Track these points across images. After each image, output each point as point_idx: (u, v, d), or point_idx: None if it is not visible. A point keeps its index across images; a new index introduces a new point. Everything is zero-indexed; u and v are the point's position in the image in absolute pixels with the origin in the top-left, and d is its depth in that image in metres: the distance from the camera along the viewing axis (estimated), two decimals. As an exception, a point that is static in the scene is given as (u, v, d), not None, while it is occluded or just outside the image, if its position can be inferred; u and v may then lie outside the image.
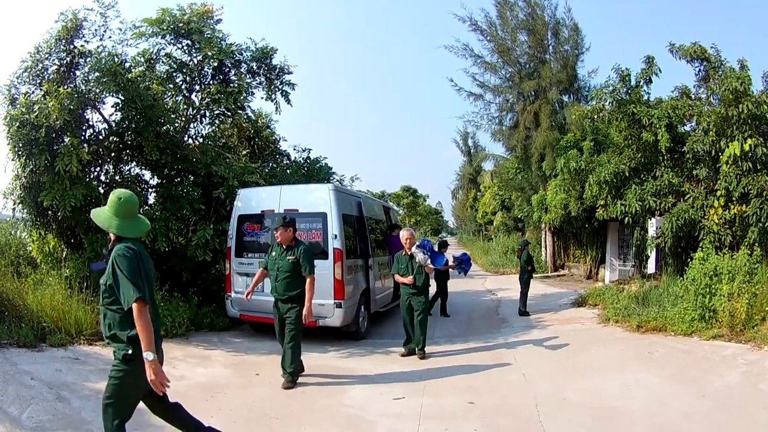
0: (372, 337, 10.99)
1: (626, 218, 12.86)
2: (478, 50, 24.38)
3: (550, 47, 23.54)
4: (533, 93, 23.27)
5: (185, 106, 13.05)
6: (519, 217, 30.04)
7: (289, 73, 13.64)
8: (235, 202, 10.95)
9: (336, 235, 9.94)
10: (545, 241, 25.83)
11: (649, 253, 15.06)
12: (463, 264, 13.75)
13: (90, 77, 10.93)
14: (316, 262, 9.75)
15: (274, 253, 7.68)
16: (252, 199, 10.88)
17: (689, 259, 10.75)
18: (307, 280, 7.44)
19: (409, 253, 9.18)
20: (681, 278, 10.61)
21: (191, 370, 7.63)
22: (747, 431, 5.52)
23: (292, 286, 7.41)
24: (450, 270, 13.77)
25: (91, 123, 11.62)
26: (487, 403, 6.65)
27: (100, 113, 11.60)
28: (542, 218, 22.91)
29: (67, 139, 10.34)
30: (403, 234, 9.28)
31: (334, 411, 6.42)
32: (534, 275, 13.93)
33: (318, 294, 9.66)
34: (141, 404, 4.82)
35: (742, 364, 7.53)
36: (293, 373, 7.28)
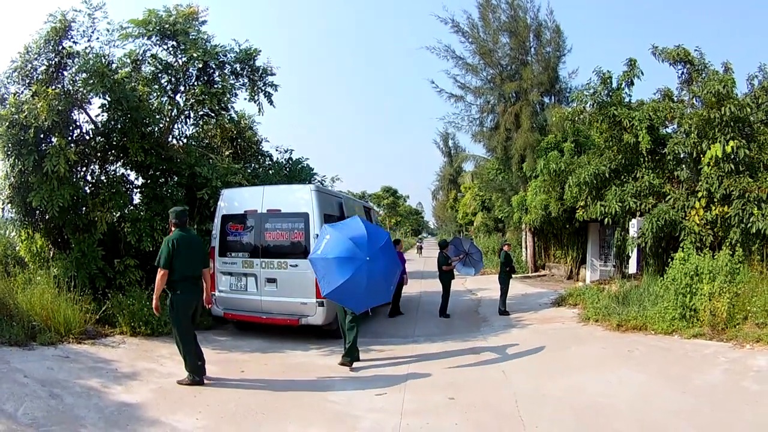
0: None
1: (606, 219, 12.94)
2: (459, 52, 24.49)
3: (532, 49, 23.65)
4: (514, 94, 23.34)
5: (170, 107, 13.03)
6: (500, 217, 30.09)
7: (272, 74, 13.72)
8: (218, 203, 11.00)
9: (317, 235, 9.89)
10: (526, 242, 25.93)
11: (630, 254, 15.20)
12: (472, 256, 14.02)
13: (77, 78, 10.95)
14: (298, 261, 10.04)
15: None
16: (235, 200, 10.93)
17: (670, 259, 10.84)
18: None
19: None
20: (661, 278, 10.72)
21: (178, 367, 7.54)
22: (730, 426, 5.57)
23: None
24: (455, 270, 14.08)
25: (78, 123, 11.65)
26: (467, 399, 6.70)
27: (87, 114, 11.64)
28: (522, 219, 23.01)
29: (54, 140, 10.40)
30: None
31: (320, 406, 6.49)
32: (514, 275, 13.96)
33: (300, 293, 9.94)
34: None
35: (724, 362, 7.60)
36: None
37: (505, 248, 14.24)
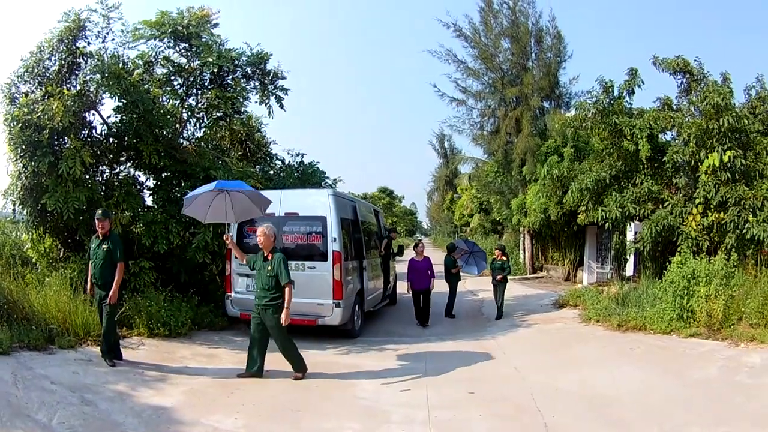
0: (365, 336, 11.45)
1: (607, 224, 13.40)
2: (461, 56, 24.80)
3: (533, 54, 24.03)
4: (515, 99, 23.65)
5: (181, 110, 13.20)
6: (498, 219, 30.55)
7: (283, 78, 13.84)
8: None
9: (335, 238, 10.43)
10: (524, 244, 26.36)
11: (628, 257, 15.67)
12: (474, 255, 14.39)
13: (92, 79, 10.99)
14: (315, 263, 10.47)
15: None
16: None
17: (667, 263, 11.28)
18: None
19: (266, 254, 7.97)
20: (660, 281, 11.17)
21: (203, 368, 7.95)
22: (725, 414, 6.11)
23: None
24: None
25: (93, 125, 11.65)
26: (486, 394, 7.19)
27: (100, 115, 11.69)
28: (521, 221, 23.39)
29: (69, 142, 10.41)
30: (258, 231, 8.11)
31: (350, 402, 6.87)
32: (508, 277, 14.27)
33: (318, 294, 10.29)
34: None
35: (720, 359, 8.10)
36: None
37: (497, 255, 14.32)
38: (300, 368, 7.84)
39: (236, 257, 8.43)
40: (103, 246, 8.06)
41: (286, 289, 7.65)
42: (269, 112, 13.96)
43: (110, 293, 7.93)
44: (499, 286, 13.81)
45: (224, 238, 8.20)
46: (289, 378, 7.80)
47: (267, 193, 11.44)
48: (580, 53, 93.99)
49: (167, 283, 11.02)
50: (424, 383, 7.69)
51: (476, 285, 19.82)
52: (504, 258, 14.05)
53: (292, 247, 10.75)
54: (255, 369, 7.81)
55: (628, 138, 13.16)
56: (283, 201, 10.91)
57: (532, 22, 23.77)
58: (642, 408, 6.43)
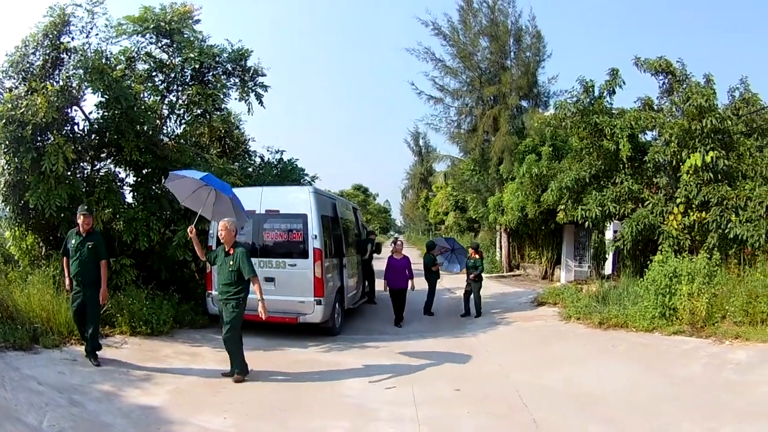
0: (346, 333, 11.40)
1: (587, 222, 13.47)
2: (439, 54, 24.65)
3: (512, 53, 23.98)
4: (492, 98, 23.63)
5: (162, 106, 13.06)
6: (474, 217, 30.47)
7: (263, 75, 13.76)
8: None
9: (316, 236, 10.34)
10: (500, 242, 26.32)
11: (607, 256, 15.79)
12: (456, 253, 14.32)
13: (75, 74, 10.92)
14: (296, 261, 10.39)
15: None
16: None
17: (648, 261, 11.38)
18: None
19: (227, 248, 7.70)
20: (640, 279, 11.24)
21: (188, 368, 7.82)
22: (713, 409, 6.14)
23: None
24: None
25: (75, 121, 11.50)
26: (472, 391, 7.17)
27: (82, 111, 11.53)
28: (498, 220, 23.39)
29: (52, 137, 10.30)
30: (219, 225, 7.85)
31: (337, 401, 6.82)
32: (485, 275, 14.27)
33: (299, 291, 10.23)
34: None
35: (705, 356, 8.15)
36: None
37: (471, 253, 14.45)
38: (242, 370, 7.59)
39: (198, 253, 8.11)
40: (88, 243, 7.93)
41: (255, 285, 7.52)
42: (249, 109, 13.92)
43: (102, 292, 8.00)
44: (474, 284, 13.80)
45: (188, 230, 7.92)
46: (276, 377, 7.79)
47: (247, 190, 11.47)
48: (562, 52, 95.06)
49: (148, 281, 10.90)
50: (409, 380, 7.66)
51: (454, 283, 19.83)
52: (477, 256, 14.10)
53: (272, 244, 10.74)
54: (235, 367, 7.68)
55: (608, 137, 13.26)
56: (263, 198, 10.88)
57: (512, 21, 23.73)
58: (629, 405, 6.44)
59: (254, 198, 10.83)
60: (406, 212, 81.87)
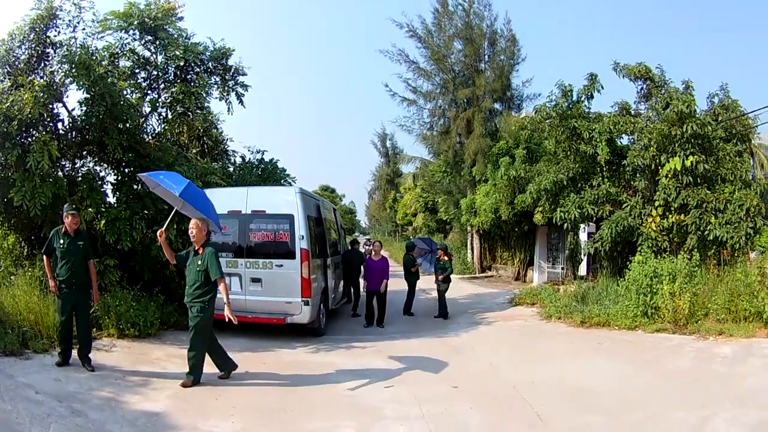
0: (329, 334, 11.40)
1: (566, 224, 13.74)
2: (413, 56, 24.87)
3: (486, 56, 24.27)
4: (466, 100, 23.87)
5: (143, 104, 12.90)
6: (445, 219, 30.71)
7: (244, 74, 13.63)
8: None
9: (303, 236, 10.33)
10: (472, 243, 26.59)
11: (583, 257, 16.11)
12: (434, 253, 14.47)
13: (60, 69, 10.80)
14: (283, 261, 10.35)
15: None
16: (218, 200, 10.38)
17: (628, 262, 11.68)
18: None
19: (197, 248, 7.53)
20: (620, 279, 11.60)
21: (181, 370, 7.56)
22: (705, 398, 6.41)
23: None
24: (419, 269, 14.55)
25: (60, 117, 11.30)
26: (469, 388, 7.27)
27: (66, 107, 11.32)
28: (471, 221, 23.61)
29: (36, 134, 10.14)
30: (190, 223, 7.64)
31: (337, 401, 6.85)
32: (456, 276, 14.35)
33: (286, 292, 10.22)
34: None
35: (691, 351, 8.46)
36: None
37: (439, 255, 14.39)
38: (196, 376, 7.26)
39: (167, 256, 7.68)
40: (78, 243, 7.75)
41: (221, 285, 7.28)
42: (229, 108, 13.77)
43: (93, 293, 7.93)
44: (441, 285, 13.87)
45: (158, 234, 7.47)
46: (272, 379, 7.80)
47: (233, 190, 11.58)
48: (536, 55, 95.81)
49: (131, 282, 10.74)
50: (405, 380, 7.73)
51: (429, 284, 19.95)
52: (446, 258, 14.15)
53: (259, 244, 10.69)
54: (228, 366, 7.69)
55: (586, 141, 13.56)
56: (249, 198, 10.86)
57: (487, 24, 24.03)
58: (624, 397, 6.66)
59: (240, 198, 10.86)
60: (372, 213, 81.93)
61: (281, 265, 10.40)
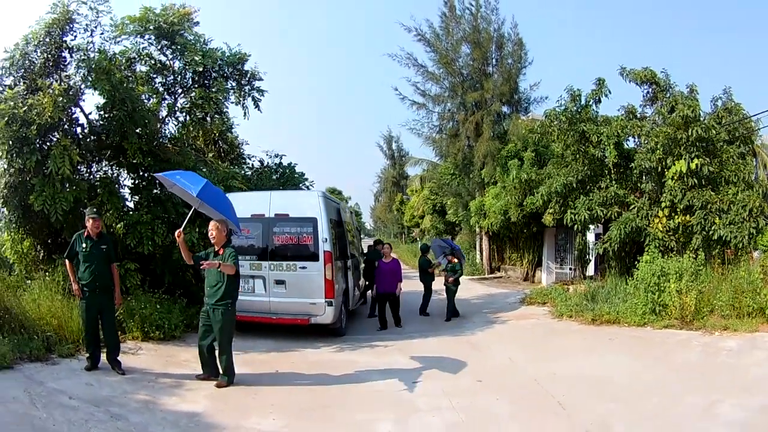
0: (349, 334, 11.65)
1: (576, 225, 14.21)
2: (422, 60, 25.13)
3: (494, 60, 24.55)
4: (474, 104, 24.11)
5: (160, 108, 13.06)
6: (454, 221, 31.00)
7: (260, 79, 13.79)
8: None
9: (326, 239, 10.58)
10: (481, 245, 26.93)
11: (591, 258, 16.53)
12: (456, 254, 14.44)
13: (77, 73, 10.81)
14: (306, 263, 10.59)
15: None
16: (241, 204, 10.62)
17: (636, 262, 12.14)
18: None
19: (217, 249, 7.55)
20: (628, 278, 12.06)
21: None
22: (715, 386, 6.93)
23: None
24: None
25: (80, 122, 11.34)
26: (493, 382, 7.71)
27: (83, 112, 11.36)
28: (480, 223, 23.93)
29: (56, 138, 10.26)
30: (210, 225, 7.69)
31: (371, 396, 7.18)
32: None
33: (309, 293, 10.47)
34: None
35: (698, 345, 8.94)
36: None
37: (450, 257, 14.33)
38: (230, 378, 7.40)
39: (184, 257, 7.67)
40: (102, 246, 7.76)
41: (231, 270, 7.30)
42: (245, 113, 13.92)
43: (116, 296, 7.95)
44: (451, 287, 14.00)
45: (176, 234, 7.40)
46: (302, 377, 8.00)
47: (256, 194, 11.76)
48: (537, 55, 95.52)
49: (151, 286, 10.83)
50: (431, 375, 8.08)
51: (437, 285, 20.26)
52: (456, 260, 14.26)
53: (282, 247, 10.86)
54: (210, 371, 7.56)
55: (595, 145, 13.98)
56: (272, 202, 11.04)
57: (494, 28, 24.24)
58: (637, 386, 7.13)
59: (263, 202, 11.05)
60: (377, 215, 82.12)
61: (305, 267, 10.61)
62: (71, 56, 10.98)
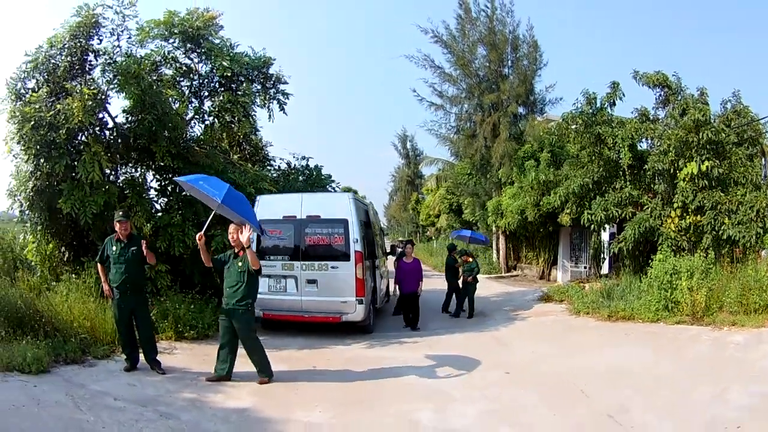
0: (376, 331, 12.05)
1: (592, 225, 14.80)
2: (438, 61, 25.55)
3: (509, 61, 24.94)
4: (491, 105, 24.45)
5: (187, 111, 13.42)
6: (470, 220, 31.32)
7: (285, 83, 14.16)
8: (254, 208, 10.51)
9: (357, 239, 11.03)
10: (498, 244, 27.47)
11: (606, 256, 17.04)
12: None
13: (103, 77, 11.02)
14: (338, 263, 11.06)
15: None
16: (273, 205, 11.49)
17: (650, 260, 12.64)
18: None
19: (238, 251, 7.74)
20: (642, 276, 12.55)
21: (249, 369, 7.73)
22: (724, 376, 7.44)
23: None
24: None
25: (108, 125, 11.53)
26: (519, 374, 8.28)
27: (110, 115, 11.53)
28: (497, 222, 24.39)
29: (86, 142, 10.43)
30: (230, 228, 7.90)
31: (407, 388, 7.58)
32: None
33: (341, 292, 10.96)
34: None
35: (707, 340, 9.48)
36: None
37: (464, 258, 14.80)
38: (267, 372, 7.64)
39: (203, 259, 7.80)
40: (132, 248, 7.81)
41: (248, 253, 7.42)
42: (270, 116, 14.26)
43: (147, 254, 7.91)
44: (469, 286, 14.38)
45: (197, 237, 7.53)
46: (338, 373, 8.33)
47: (288, 196, 12.17)
48: (554, 54, 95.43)
49: (183, 286, 11.13)
50: (461, 368, 8.54)
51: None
52: (471, 260, 14.67)
53: (314, 248, 11.24)
54: (225, 372, 7.58)
55: (610, 147, 14.54)
56: (304, 204, 11.42)
57: (510, 30, 24.60)
58: (653, 376, 7.66)
59: (295, 204, 11.43)
60: (391, 214, 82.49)
61: (336, 267, 11.02)
62: (96, 59, 11.20)
